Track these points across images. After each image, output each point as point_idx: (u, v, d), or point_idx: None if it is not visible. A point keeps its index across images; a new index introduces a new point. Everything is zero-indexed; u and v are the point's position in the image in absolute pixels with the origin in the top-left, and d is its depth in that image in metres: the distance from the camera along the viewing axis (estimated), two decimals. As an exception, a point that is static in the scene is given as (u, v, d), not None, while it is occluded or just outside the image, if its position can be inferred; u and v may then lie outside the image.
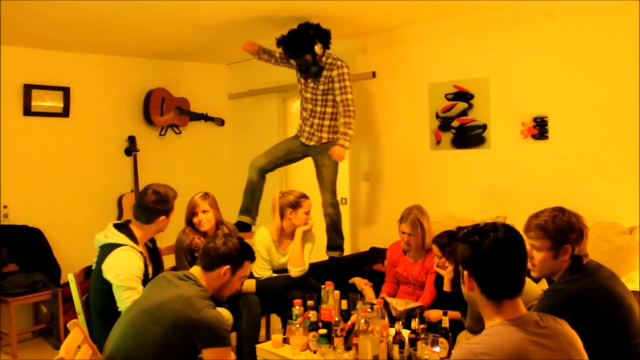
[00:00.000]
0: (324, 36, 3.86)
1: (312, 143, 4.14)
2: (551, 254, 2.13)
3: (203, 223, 3.39)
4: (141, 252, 2.82)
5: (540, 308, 2.07)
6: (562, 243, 2.11)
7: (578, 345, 1.60)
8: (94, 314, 2.82)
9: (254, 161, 4.29)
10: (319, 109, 4.08)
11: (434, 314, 3.00)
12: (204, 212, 3.41)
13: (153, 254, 3.09)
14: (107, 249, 2.75)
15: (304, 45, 3.78)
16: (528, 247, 2.17)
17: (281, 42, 3.83)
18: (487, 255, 1.59)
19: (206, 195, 3.49)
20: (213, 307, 2.23)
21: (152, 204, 2.88)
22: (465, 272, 1.63)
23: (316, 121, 4.10)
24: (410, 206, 3.45)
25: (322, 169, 4.18)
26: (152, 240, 3.12)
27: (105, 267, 2.70)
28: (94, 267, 2.81)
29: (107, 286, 2.69)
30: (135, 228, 2.88)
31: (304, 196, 3.61)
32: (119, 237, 2.77)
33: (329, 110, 4.09)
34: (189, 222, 3.45)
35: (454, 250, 2.88)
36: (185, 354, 2.19)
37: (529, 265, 2.22)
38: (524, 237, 2.15)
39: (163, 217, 2.91)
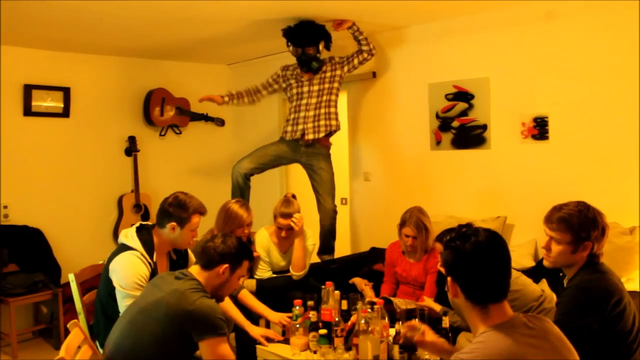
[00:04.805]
0: (327, 38, 4.03)
1: (321, 135, 4.11)
2: (570, 248, 2.10)
3: (245, 237, 3.33)
4: (150, 263, 2.67)
5: (565, 304, 2.08)
6: (583, 239, 2.08)
7: (567, 342, 1.60)
8: (98, 306, 2.77)
9: (238, 166, 4.24)
10: (324, 97, 4.13)
11: (433, 305, 3.01)
12: (248, 225, 3.34)
13: (176, 266, 2.88)
14: (119, 248, 2.70)
15: (312, 37, 3.93)
16: (546, 237, 2.17)
17: (289, 31, 3.94)
18: (468, 260, 1.55)
19: (247, 206, 3.38)
20: (207, 297, 2.24)
21: (166, 206, 2.75)
22: (449, 278, 1.59)
23: (323, 110, 4.12)
24: (409, 208, 3.40)
25: (321, 172, 4.17)
26: (179, 253, 2.93)
27: (110, 267, 2.66)
28: (105, 262, 2.75)
29: (111, 286, 2.64)
30: (155, 234, 2.77)
31: (283, 215, 3.45)
32: (133, 241, 2.68)
33: (333, 97, 4.16)
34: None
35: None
36: (183, 350, 2.21)
37: (543, 254, 2.22)
38: (544, 227, 2.15)
39: (174, 224, 2.71)
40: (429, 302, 3.10)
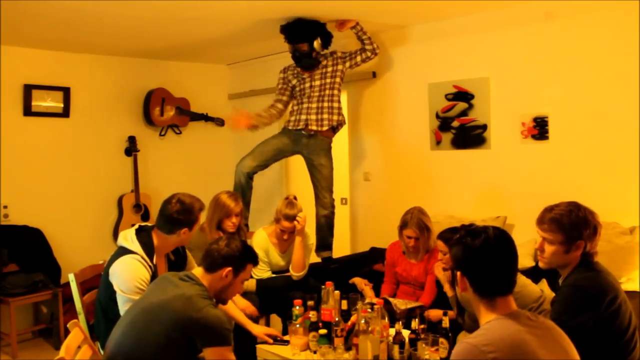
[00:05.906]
0: (326, 36, 4.00)
1: (324, 129, 4.11)
2: (563, 248, 2.12)
3: (234, 226, 3.34)
4: (151, 266, 2.65)
5: (560, 303, 2.10)
6: (575, 238, 2.10)
7: (567, 338, 1.65)
8: (98, 309, 2.76)
9: (240, 165, 4.20)
10: (327, 91, 4.12)
11: (434, 314, 3.00)
12: (236, 215, 3.36)
13: (174, 267, 2.86)
14: (119, 251, 2.67)
15: (304, 33, 3.90)
16: (539, 239, 2.19)
17: (285, 27, 3.93)
18: (477, 254, 1.64)
19: (236, 197, 3.41)
20: (214, 306, 2.24)
21: (174, 214, 2.69)
22: (458, 273, 1.68)
23: (325, 104, 4.12)
24: (410, 209, 3.38)
25: (321, 168, 4.17)
26: (177, 253, 2.93)
27: (111, 271, 2.64)
28: (105, 265, 2.74)
29: (111, 289, 2.62)
30: (155, 236, 2.74)
31: (287, 217, 3.45)
32: (133, 244, 2.65)
33: (335, 92, 4.16)
34: (218, 224, 3.35)
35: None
36: (185, 353, 2.20)
37: (537, 256, 2.23)
38: (537, 229, 2.18)
39: (185, 230, 2.72)
40: (434, 314, 3.05)
